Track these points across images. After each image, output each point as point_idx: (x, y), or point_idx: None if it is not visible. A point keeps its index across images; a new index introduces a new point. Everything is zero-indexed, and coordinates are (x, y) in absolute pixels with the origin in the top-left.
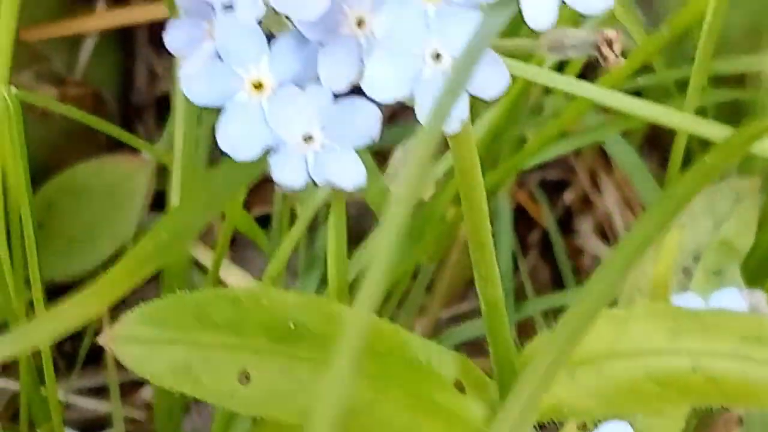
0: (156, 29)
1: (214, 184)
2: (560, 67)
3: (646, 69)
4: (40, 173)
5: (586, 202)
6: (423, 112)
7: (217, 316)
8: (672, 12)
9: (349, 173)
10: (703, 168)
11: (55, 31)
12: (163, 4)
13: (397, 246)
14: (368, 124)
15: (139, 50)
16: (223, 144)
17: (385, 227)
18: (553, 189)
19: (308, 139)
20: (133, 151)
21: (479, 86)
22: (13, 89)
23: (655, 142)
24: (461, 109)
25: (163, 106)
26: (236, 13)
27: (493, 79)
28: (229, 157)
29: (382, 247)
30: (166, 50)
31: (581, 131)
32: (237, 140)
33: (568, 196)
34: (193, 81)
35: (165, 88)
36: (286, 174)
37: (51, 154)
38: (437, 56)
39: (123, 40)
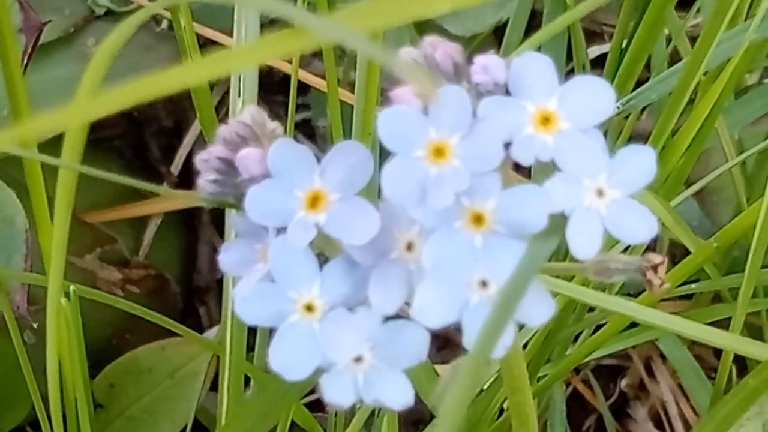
0: (218, 211)
1: (264, 401)
2: None
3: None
4: (103, 353)
5: (641, 388)
6: (470, 338)
7: None
8: (722, 218)
9: (398, 393)
10: (747, 389)
11: (120, 214)
12: None
13: None
14: (417, 346)
15: (201, 232)
16: (275, 364)
17: None
18: (609, 374)
19: (358, 359)
20: (198, 333)
21: (525, 314)
22: (72, 286)
23: None
24: (507, 337)
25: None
26: (289, 237)
27: (538, 307)
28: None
29: None
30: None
31: (635, 331)
32: (289, 361)
33: (623, 382)
34: (247, 303)
35: None
36: (336, 393)
37: (114, 335)
38: (484, 284)
39: (186, 221)
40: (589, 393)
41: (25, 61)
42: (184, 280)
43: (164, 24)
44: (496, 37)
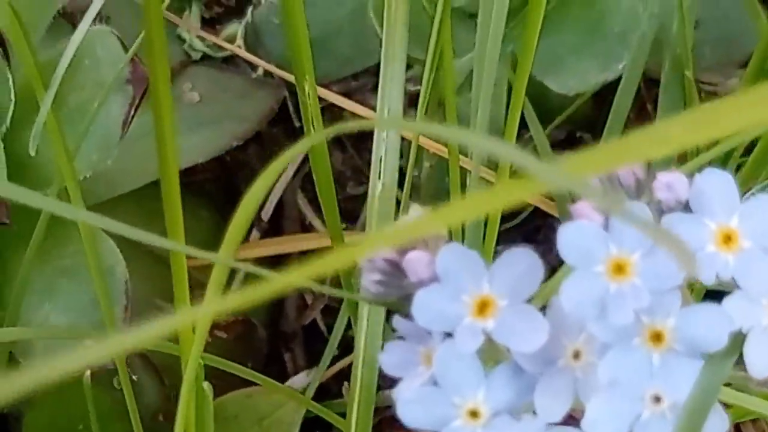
0: (307, 258)
1: None
2: None
3: None
4: None
5: None
6: None
7: None
8: None
9: None
10: None
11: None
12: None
13: None
14: None
15: None
16: None
17: None
18: None
19: None
20: (282, 378)
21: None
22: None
23: None
24: None
25: (310, 335)
26: (456, 343)
27: (714, 423)
28: None
29: None
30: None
31: None
32: None
33: None
34: (410, 406)
35: (313, 316)
36: None
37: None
38: (657, 399)
39: (274, 267)
40: None
41: (132, 113)
42: (270, 325)
43: (260, 70)
44: (599, 99)
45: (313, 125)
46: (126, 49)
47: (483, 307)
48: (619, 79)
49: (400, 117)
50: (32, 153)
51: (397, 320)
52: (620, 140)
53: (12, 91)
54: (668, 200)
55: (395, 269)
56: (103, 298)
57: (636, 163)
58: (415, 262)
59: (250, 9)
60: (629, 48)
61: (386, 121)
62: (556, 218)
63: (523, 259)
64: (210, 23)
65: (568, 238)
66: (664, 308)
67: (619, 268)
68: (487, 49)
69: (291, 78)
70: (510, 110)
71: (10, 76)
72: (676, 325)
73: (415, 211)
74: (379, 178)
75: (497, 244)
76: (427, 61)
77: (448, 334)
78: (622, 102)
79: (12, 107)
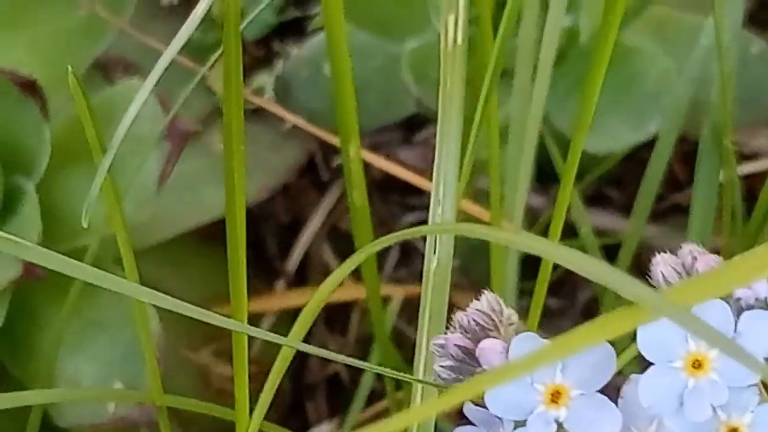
0: (331, 311)
1: None
2: None
3: None
4: None
5: None
6: None
7: None
8: None
9: None
10: None
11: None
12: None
13: None
14: None
15: (314, 330)
16: None
17: None
18: None
19: None
20: (304, 429)
21: None
22: None
23: None
24: None
25: (333, 385)
26: (528, 431)
27: None
28: None
29: None
30: (339, 330)
31: None
32: None
33: None
34: None
35: (336, 368)
36: None
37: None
38: None
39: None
40: None
41: (170, 169)
42: (293, 376)
43: (288, 124)
44: (634, 159)
45: (353, 188)
46: (163, 104)
47: (556, 397)
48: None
49: (455, 207)
50: (84, 225)
51: (468, 407)
52: (724, 267)
53: (48, 143)
54: (748, 297)
55: (467, 355)
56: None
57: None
58: (489, 351)
59: (280, 61)
60: (662, 110)
61: (441, 226)
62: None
63: (596, 350)
64: None
65: (648, 336)
66: (741, 404)
67: (697, 364)
68: (531, 111)
69: (320, 132)
70: (564, 176)
71: (47, 128)
72: (753, 421)
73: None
74: (435, 252)
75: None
76: (475, 122)
77: (520, 423)
78: (656, 165)
79: (47, 159)
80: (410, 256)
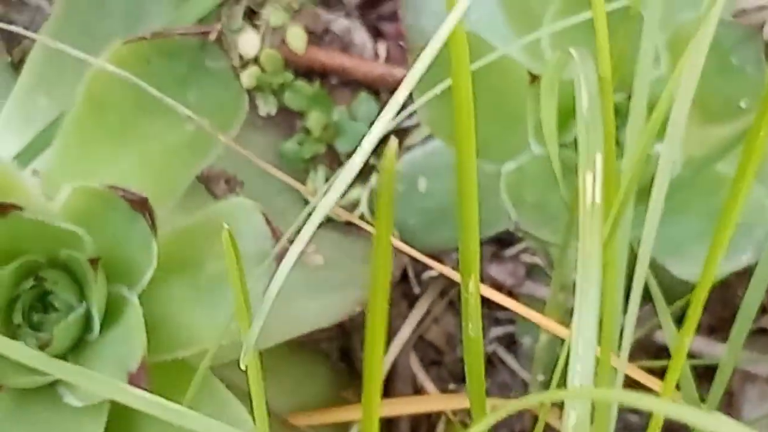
0: (418, 423)
1: None
2: None
3: None
4: None
5: None
6: None
7: None
8: None
9: None
10: None
11: (324, 418)
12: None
13: None
14: None
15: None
16: None
17: None
18: None
19: None
20: None
21: None
22: None
23: None
24: None
25: None
26: None
27: None
28: None
29: None
30: None
31: None
32: None
33: None
34: None
35: None
36: None
37: None
38: None
39: (386, 427)
40: None
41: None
42: None
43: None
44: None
45: (469, 319)
46: (269, 223)
47: None
48: None
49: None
50: (243, 367)
51: None
52: None
53: (155, 257)
54: None
55: None
56: None
57: None
58: None
59: (374, 175)
60: (754, 241)
61: (579, 393)
62: None
63: None
64: None
65: None
66: None
67: None
68: (617, 237)
69: (412, 251)
70: (685, 323)
71: (154, 242)
72: None
73: None
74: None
75: None
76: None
77: None
78: (752, 298)
79: (152, 271)
80: (494, 365)
